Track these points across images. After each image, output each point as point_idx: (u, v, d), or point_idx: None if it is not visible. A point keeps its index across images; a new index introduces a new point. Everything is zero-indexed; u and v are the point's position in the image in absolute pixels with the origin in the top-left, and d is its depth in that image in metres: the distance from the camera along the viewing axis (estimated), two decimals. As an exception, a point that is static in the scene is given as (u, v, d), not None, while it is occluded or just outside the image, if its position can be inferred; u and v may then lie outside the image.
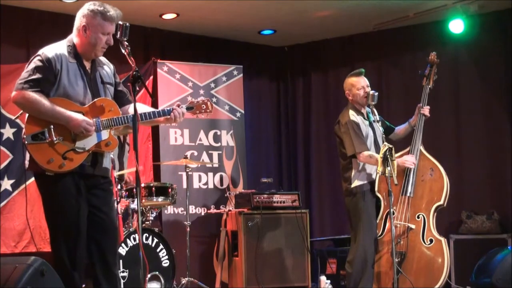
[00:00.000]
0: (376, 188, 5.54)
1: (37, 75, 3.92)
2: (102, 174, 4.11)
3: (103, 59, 4.23)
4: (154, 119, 4.15)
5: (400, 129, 5.95)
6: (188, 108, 4.20)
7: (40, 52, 4.01)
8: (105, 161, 4.11)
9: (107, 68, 4.23)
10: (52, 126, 3.91)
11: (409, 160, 5.53)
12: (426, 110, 5.76)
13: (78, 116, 3.93)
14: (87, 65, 4.10)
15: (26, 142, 3.91)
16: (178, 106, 4.17)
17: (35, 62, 3.97)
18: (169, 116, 4.12)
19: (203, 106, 4.23)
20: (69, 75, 3.99)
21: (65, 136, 3.94)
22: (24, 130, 3.96)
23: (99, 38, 4.01)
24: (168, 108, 4.14)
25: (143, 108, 4.18)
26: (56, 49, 4.01)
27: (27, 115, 3.99)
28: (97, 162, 4.06)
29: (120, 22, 3.95)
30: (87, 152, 3.98)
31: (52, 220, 4.04)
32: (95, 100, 4.04)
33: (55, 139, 3.91)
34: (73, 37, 4.08)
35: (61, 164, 3.92)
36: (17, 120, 6.43)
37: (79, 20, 4.04)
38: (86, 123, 3.93)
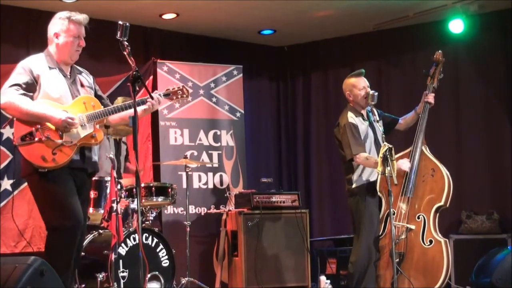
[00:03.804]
0: (377, 188, 5.53)
1: (19, 80, 4.20)
2: (92, 168, 4.39)
3: (81, 68, 4.53)
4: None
5: (407, 118, 5.90)
6: (165, 95, 4.46)
7: (20, 62, 4.32)
8: (92, 154, 4.37)
9: (86, 76, 4.53)
10: (39, 126, 4.14)
11: (405, 164, 5.50)
12: (430, 97, 5.74)
13: (59, 114, 4.16)
14: (66, 71, 4.37)
15: (17, 143, 4.14)
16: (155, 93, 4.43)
17: (16, 70, 4.28)
18: (146, 107, 4.35)
19: (179, 92, 4.47)
20: (49, 80, 4.26)
21: (52, 133, 4.16)
22: (14, 133, 4.20)
23: (71, 42, 4.31)
24: (143, 98, 4.36)
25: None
26: (34, 58, 4.35)
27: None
28: (85, 156, 4.31)
29: (120, 22, 4.04)
30: (75, 145, 4.21)
31: (54, 215, 4.17)
32: (77, 98, 4.31)
33: (43, 137, 4.13)
34: (49, 47, 4.39)
35: (53, 159, 4.13)
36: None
37: (51, 30, 4.36)
38: (68, 118, 4.16)
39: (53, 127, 4.17)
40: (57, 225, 4.15)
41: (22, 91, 4.16)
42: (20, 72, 4.23)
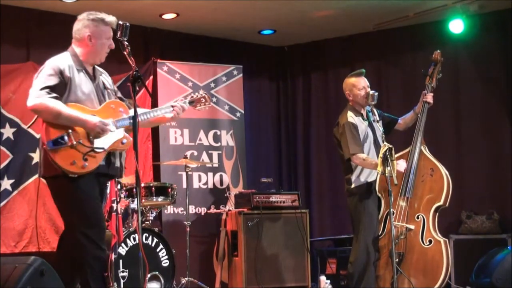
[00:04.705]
0: (377, 188, 5.53)
1: (51, 82, 4.05)
2: (114, 173, 4.30)
3: (100, 68, 4.41)
4: (156, 119, 4.37)
5: (406, 118, 5.91)
6: (190, 103, 4.49)
7: (47, 62, 4.16)
8: (117, 161, 4.28)
9: (106, 76, 4.42)
10: (70, 130, 4.03)
11: (400, 164, 5.49)
12: (429, 97, 5.74)
13: (94, 118, 4.07)
14: (91, 72, 4.27)
15: (48, 148, 4.01)
16: (180, 100, 4.45)
17: (45, 71, 4.11)
18: (171, 115, 4.36)
19: (202, 100, 4.56)
20: (78, 82, 4.14)
21: (83, 138, 4.07)
22: (43, 137, 4.06)
23: (103, 44, 4.22)
24: (167, 105, 4.36)
25: (144, 110, 4.39)
26: (62, 59, 4.18)
27: (43, 121, 4.09)
28: (111, 162, 4.22)
29: (120, 22, 4.06)
30: (105, 151, 4.13)
31: (78, 221, 4.09)
32: (105, 102, 4.23)
33: (74, 142, 4.03)
34: (75, 47, 4.24)
35: (83, 164, 4.05)
36: (17, 120, 6.45)
37: (82, 31, 4.21)
38: (102, 123, 4.07)
39: (84, 131, 4.07)
40: (80, 231, 4.07)
41: (54, 94, 4.03)
42: (50, 74, 4.08)
